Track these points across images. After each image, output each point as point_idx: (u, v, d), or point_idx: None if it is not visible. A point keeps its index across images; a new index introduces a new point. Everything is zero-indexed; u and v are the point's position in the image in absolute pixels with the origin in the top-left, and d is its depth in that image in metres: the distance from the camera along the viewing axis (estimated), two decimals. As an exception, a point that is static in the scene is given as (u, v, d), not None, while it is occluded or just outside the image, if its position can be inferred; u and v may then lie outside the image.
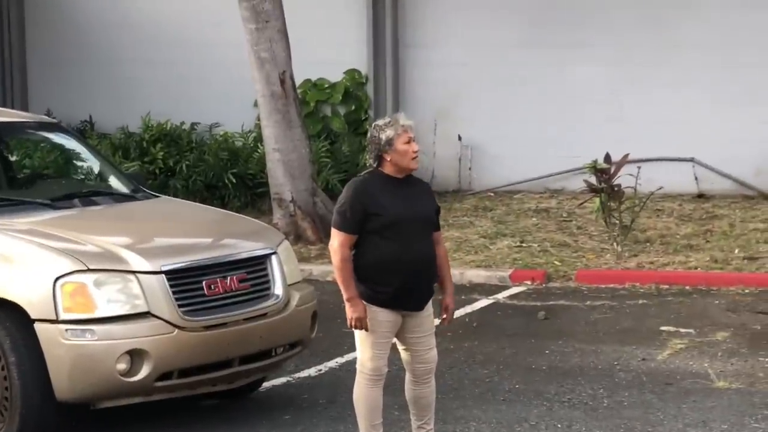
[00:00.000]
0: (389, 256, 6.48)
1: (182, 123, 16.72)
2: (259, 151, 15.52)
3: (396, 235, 6.50)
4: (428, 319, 6.74)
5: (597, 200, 12.66)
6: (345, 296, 6.50)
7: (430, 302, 6.74)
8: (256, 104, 16.26)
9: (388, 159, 6.56)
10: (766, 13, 15.23)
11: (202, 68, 17.07)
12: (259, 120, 16.30)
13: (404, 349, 6.74)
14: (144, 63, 17.37)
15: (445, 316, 6.77)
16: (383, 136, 6.57)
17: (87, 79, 17.76)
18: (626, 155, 12.70)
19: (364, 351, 6.60)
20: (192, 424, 7.58)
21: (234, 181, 15.37)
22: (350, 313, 6.48)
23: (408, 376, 6.78)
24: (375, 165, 6.61)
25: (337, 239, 6.50)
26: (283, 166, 13.40)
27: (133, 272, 6.96)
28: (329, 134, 16.47)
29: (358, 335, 6.59)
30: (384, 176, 6.59)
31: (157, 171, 15.48)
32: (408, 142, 6.55)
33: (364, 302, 6.49)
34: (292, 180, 13.40)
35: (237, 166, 15.54)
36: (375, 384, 6.63)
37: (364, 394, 6.64)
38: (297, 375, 8.62)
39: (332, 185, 15.15)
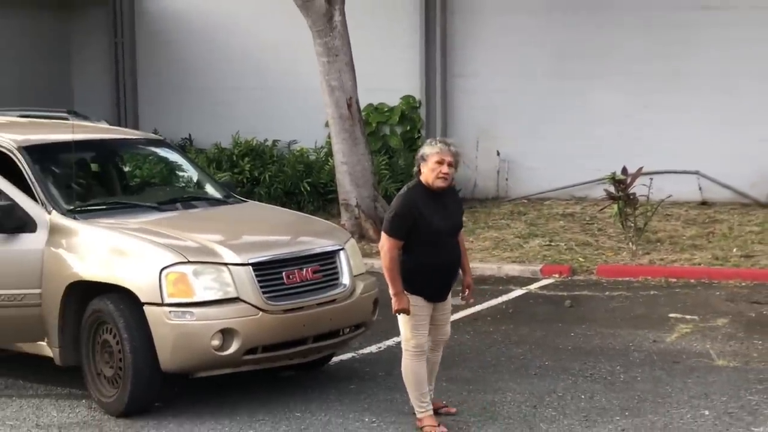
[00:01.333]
0: (429, 260, 6.55)
1: (265, 140, 16.75)
2: (329, 164, 15.49)
3: (435, 242, 6.55)
4: (449, 301, 6.85)
5: (615, 206, 12.50)
6: (392, 291, 6.54)
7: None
8: (326, 124, 16.29)
9: (422, 171, 6.58)
10: (761, 47, 14.99)
11: (282, 94, 17.08)
12: (329, 138, 16.31)
13: (430, 325, 6.77)
14: (234, 90, 17.44)
15: (468, 292, 6.88)
16: (422, 151, 6.63)
17: (187, 103, 17.87)
18: (640, 168, 12.53)
19: (407, 332, 6.65)
20: (273, 391, 7.56)
21: (308, 189, 15.35)
22: (396, 305, 6.55)
23: (431, 345, 6.83)
24: (416, 174, 6.63)
25: (387, 243, 6.52)
26: (350, 177, 13.36)
27: (225, 264, 6.93)
28: (387, 150, 16.41)
29: (402, 320, 6.65)
30: (424, 187, 6.58)
31: (245, 180, 15.49)
32: (440, 162, 6.52)
33: (412, 294, 6.53)
34: (357, 188, 13.36)
35: (311, 176, 15.52)
36: (419, 358, 6.66)
37: (410, 368, 6.66)
38: (361, 351, 8.56)
39: (390, 193, 15.04)
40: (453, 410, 6.99)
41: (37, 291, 7.29)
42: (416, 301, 6.58)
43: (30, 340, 7.46)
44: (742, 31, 15.04)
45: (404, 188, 6.73)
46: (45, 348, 7.40)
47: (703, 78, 15.26)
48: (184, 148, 16.73)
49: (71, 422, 7.02)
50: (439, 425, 6.65)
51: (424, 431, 6.64)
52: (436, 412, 6.82)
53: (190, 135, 17.72)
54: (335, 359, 8.28)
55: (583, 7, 15.87)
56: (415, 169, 6.66)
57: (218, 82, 17.68)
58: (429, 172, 6.56)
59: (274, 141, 16.85)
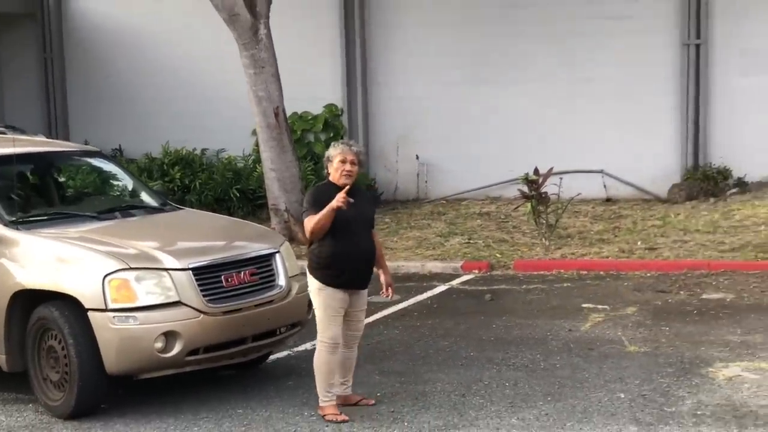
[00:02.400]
0: (341, 249, 6.70)
1: (194, 149, 16.64)
2: (257, 170, 15.45)
3: (346, 233, 6.71)
4: (365, 296, 6.98)
5: (528, 205, 12.73)
6: (328, 211, 6.57)
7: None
8: (253, 133, 16.23)
9: (330, 171, 6.79)
10: (657, 51, 15.35)
11: (210, 104, 16.99)
12: (256, 146, 16.23)
13: (345, 321, 6.88)
14: (163, 101, 17.31)
15: (390, 289, 7.05)
16: (327, 153, 6.90)
17: (117, 114, 17.67)
18: (551, 169, 12.76)
19: (322, 323, 6.79)
20: (214, 390, 7.54)
21: (238, 195, 15.29)
22: (333, 204, 6.56)
23: (343, 343, 6.90)
24: (326, 176, 6.88)
25: (307, 223, 6.70)
26: (278, 183, 13.34)
27: (166, 269, 6.90)
28: (313, 156, 16.44)
29: (318, 314, 6.79)
30: (333, 185, 6.79)
31: (176, 188, 15.37)
32: (343, 161, 6.76)
33: (321, 284, 6.69)
34: (285, 193, 13.34)
35: (240, 183, 15.47)
36: (333, 350, 6.80)
37: (324, 360, 6.80)
38: (296, 349, 8.56)
39: (317, 197, 15.08)
40: (371, 402, 7.04)
41: (-18, 300, 7.17)
42: (330, 293, 6.72)
43: (-25, 348, 7.33)
44: (641, 39, 15.42)
45: (314, 185, 7.03)
46: (-10, 355, 7.28)
47: (606, 83, 15.62)
48: (115, 158, 16.49)
49: (20, 426, 6.92)
50: (340, 413, 6.77)
51: (326, 419, 6.77)
52: (356, 405, 6.93)
53: (120, 146, 17.52)
54: (272, 357, 8.27)
55: (494, 20, 16.10)
56: (325, 171, 6.91)
57: (147, 93, 17.52)
58: (335, 172, 6.81)
59: (203, 150, 16.77)
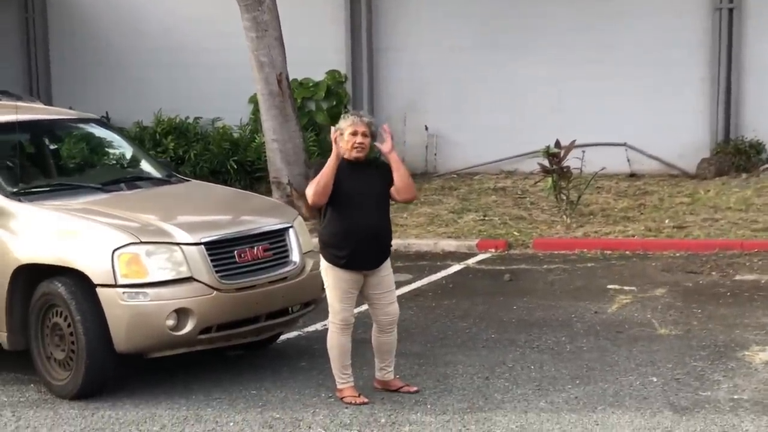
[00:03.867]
0: (344, 226, 6.88)
1: (186, 117, 16.83)
2: (255, 141, 15.68)
3: (349, 208, 6.87)
4: (387, 278, 7.10)
5: (549, 180, 12.97)
6: (330, 166, 6.79)
7: (389, 263, 7.12)
8: (251, 101, 16.50)
9: (340, 144, 6.92)
10: (686, 16, 15.55)
11: (205, 70, 17.13)
12: (253, 114, 16.51)
13: (369, 304, 7.15)
14: (154, 65, 17.46)
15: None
16: (338, 125, 7.01)
17: (103, 80, 17.81)
18: (573, 141, 12.98)
19: (333, 305, 6.99)
20: (224, 371, 7.78)
21: (235, 167, 15.52)
22: (333, 155, 6.82)
23: (374, 327, 7.17)
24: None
25: (309, 190, 6.89)
26: (281, 154, 13.53)
27: (178, 244, 7.10)
28: (314, 126, 16.64)
29: (328, 294, 7.00)
30: (343, 159, 6.92)
31: (169, 159, 15.54)
32: (354, 134, 6.88)
33: (330, 264, 6.89)
34: (288, 166, 13.53)
35: (237, 154, 15.67)
36: (344, 332, 7.01)
37: (336, 341, 7.03)
38: (306, 329, 8.79)
39: (320, 170, 15.30)
40: (413, 389, 7.24)
41: (-18, 275, 7.40)
42: (337, 272, 6.92)
43: (-26, 325, 7.57)
44: (669, 2, 15.60)
45: (319, 160, 7.15)
46: (-10, 333, 7.53)
47: (631, 49, 15.81)
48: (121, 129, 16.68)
49: (23, 404, 7.17)
50: (359, 395, 7.02)
51: (345, 401, 7.01)
52: (397, 391, 7.17)
53: (107, 113, 17.54)
54: (282, 338, 8.51)
55: (509, -22, 16.28)
56: (334, 144, 6.98)
57: (136, 57, 17.68)
58: (345, 144, 6.93)
59: (196, 118, 16.92)
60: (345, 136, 6.92)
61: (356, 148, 6.89)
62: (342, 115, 7.17)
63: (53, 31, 18.36)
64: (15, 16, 18.50)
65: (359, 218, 6.88)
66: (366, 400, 7.01)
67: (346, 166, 6.91)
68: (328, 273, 7.00)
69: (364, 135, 6.90)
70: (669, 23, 15.59)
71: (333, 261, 6.93)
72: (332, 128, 6.96)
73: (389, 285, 7.13)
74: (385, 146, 7.02)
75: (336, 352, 7.04)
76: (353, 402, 7.00)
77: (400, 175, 6.98)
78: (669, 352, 7.95)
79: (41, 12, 18.34)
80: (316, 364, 7.84)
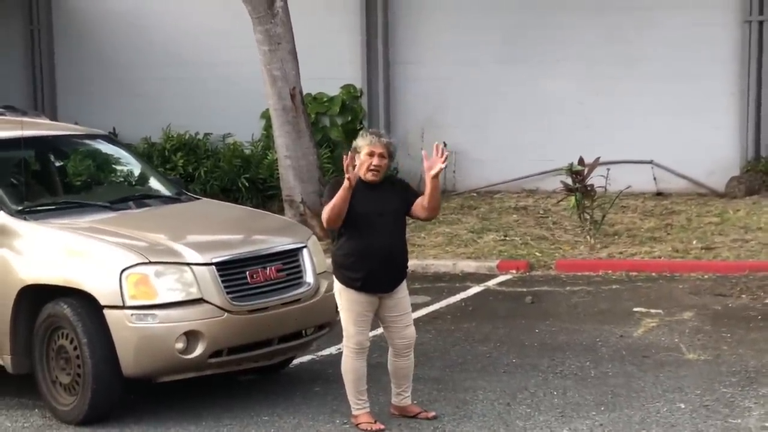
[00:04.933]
0: (359, 247, 6.90)
1: (196, 133, 16.94)
2: (267, 158, 15.76)
3: (364, 229, 6.88)
4: (403, 300, 7.11)
5: (572, 198, 12.99)
6: (342, 193, 6.73)
7: (404, 286, 7.13)
8: (262, 116, 16.59)
9: (356, 163, 6.90)
10: (714, 29, 15.58)
11: (213, 85, 17.25)
12: (265, 130, 16.60)
13: (385, 327, 7.17)
14: (162, 80, 17.56)
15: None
16: (355, 143, 7.01)
17: (110, 94, 17.92)
18: (597, 159, 12.98)
19: (347, 328, 7.01)
20: (234, 396, 7.81)
21: (247, 185, 15.59)
22: (345, 183, 6.73)
23: (390, 350, 7.19)
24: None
25: (324, 214, 6.88)
26: (294, 171, 13.59)
27: (188, 264, 7.14)
28: (328, 143, 16.71)
29: (342, 316, 7.02)
30: (358, 179, 6.90)
31: (179, 177, 15.64)
32: (371, 155, 6.87)
33: (344, 286, 6.91)
34: (301, 183, 13.59)
35: (249, 171, 15.75)
36: (359, 356, 7.03)
37: (350, 365, 7.05)
38: (320, 353, 8.81)
39: (335, 188, 15.36)
40: (431, 414, 7.25)
41: (-15, 296, 7.47)
42: (351, 294, 6.94)
43: (-23, 349, 7.64)
44: (697, 15, 15.63)
45: (334, 178, 7.17)
46: (-6, 356, 7.59)
47: (657, 64, 15.83)
48: (130, 145, 16.77)
49: (27, 430, 7.22)
50: (376, 422, 7.04)
51: (360, 428, 7.04)
52: (414, 417, 7.19)
53: (114, 129, 17.70)
54: (295, 362, 8.53)
55: (531, -9, 16.35)
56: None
57: (143, 72, 17.78)
58: (361, 165, 6.92)
59: (206, 134, 17.02)
60: (361, 156, 6.92)
61: (372, 170, 6.90)
62: (360, 133, 7.16)
63: (59, 44, 18.51)
64: (20, 30, 18.66)
65: (374, 239, 6.89)
66: (382, 426, 7.04)
67: (361, 185, 6.93)
68: (342, 295, 7.03)
69: (381, 156, 6.89)
70: (697, 36, 15.60)
71: (347, 283, 6.96)
72: (344, 156, 6.86)
73: (405, 307, 7.16)
74: (433, 170, 6.87)
75: (351, 376, 7.06)
76: (369, 429, 7.03)
77: (435, 197, 6.95)
78: (697, 377, 7.95)
79: (46, 25, 18.50)
80: (330, 389, 7.87)
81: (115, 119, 17.67)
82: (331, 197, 6.86)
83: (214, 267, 7.22)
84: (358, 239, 6.90)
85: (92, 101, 17.99)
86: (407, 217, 7.16)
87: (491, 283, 11.63)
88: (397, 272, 7.07)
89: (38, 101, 18.39)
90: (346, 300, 6.99)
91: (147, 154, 16.08)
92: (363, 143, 6.95)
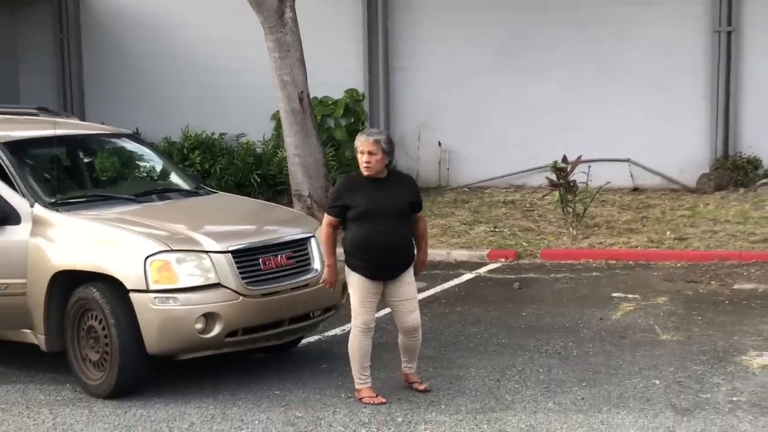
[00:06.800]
0: (363, 239, 6.95)
1: (212, 133, 16.97)
2: (278, 156, 15.78)
3: (368, 222, 6.92)
4: (408, 287, 7.14)
5: (557, 193, 13.02)
6: (326, 263, 7.11)
7: (410, 273, 7.15)
8: (273, 117, 16.62)
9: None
10: (686, 39, 15.59)
11: (230, 88, 17.27)
12: (275, 130, 16.64)
13: (392, 311, 7.24)
14: (182, 84, 17.60)
15: (419, 267, 7.25)
16: (354, 144, 7.11)
17: (134, 97, 17.96)
18: (579, 157, 13.03)
19: (355, 308, 7.07)
20: (248, 373, 7.84)
21: (258, 180, 15.62)
22: (326, 275, 7.16)
23: (400, 330, 7.21)
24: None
25: (324, 220, 7.08)
26: (302, 168, 13.62)
27: (206, 252, 7.17)
28: (333, 142, 16.76)
29: (352, 297, 7.07)
30: (361, 176, 7.01)
31: (196, 172, 15.67)
32: (362, 153, 6.96)
33: (351, 270, 7.00)
34: (309, 179, 13.62)
35: (260, 168, 15.78)
36: (365, 335, 7.08)
37: (357, 343, 7.10)
38: (326, 334, 8.85)
39: (339, 183, 15.38)
40: (421, 387, 7.29)
41: (22, 281, 7.50)
42: (357, 279, 7.02)
43: (14, 328, 7.68)
44: (670, 26, 15.66)
45: (346, 174, 7.26)
46: (29, 335, 7.62)
47: (634, 71, 15.87)
48: (153, 144, 16.79)
49: (59, 403, 7.25)
50: (377, 395, 7.08)
51: (363, 401, 7.07)
52: (409, 385, 7.27)
53: (137, 129, 17.72)
54: (303, 342, 8.57)
55: (520, 5, 16.35)
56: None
57: (165, 76, 17.82)
58: (359, 163, 7.03)
59: (221, 134, 17.05)
60: (357, 154, 7.04)
61: (364, 167, 6.98)
62: (358, 134, 7.22)
63: (86, 51, 18.53)
64: (50, 37, 18.67)
65: (377, 232, 6.92)
66: (383, 400, 7.06)
67: (365, 180, 6.97)
68: (350, 278, 7.07)
69: (370, 153, 6.93)
70: (671, 45, 15.65)
71: (354, 269, 7.01)
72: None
73: (409, 294, 7.15)
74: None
75: (357, 354, 7.09)
76: (371, 402, 7.05)
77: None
78: (671, 356, 7.97)
79: (75, 33, 18.52)
80: (335, 367, 7.90)
81: (139, 120, 17.69)
82: (332, 202, 7.04)
83: (230, 254, 7.25)
84: (363, 232, 6.93)
85: (117, 103, 18.02)
86: None
87: (482, 270, 11.66)
88: (399, 263, 7.08)
89: (68, 103, 18.41)
90: (354, 283, 7.03)
91: (167, 152, 16.10)
92: (357, 143, 7.06)
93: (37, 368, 7.99)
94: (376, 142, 6.96)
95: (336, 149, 16.46)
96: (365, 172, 6.97)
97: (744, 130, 15.49)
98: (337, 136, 16.91)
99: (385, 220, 6.93)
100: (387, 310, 7.51)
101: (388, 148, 7.01)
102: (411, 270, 7.16)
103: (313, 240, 7.87)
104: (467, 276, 11.37)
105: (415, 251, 7.22)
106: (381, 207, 6.93)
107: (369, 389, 7.13)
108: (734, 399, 6.96)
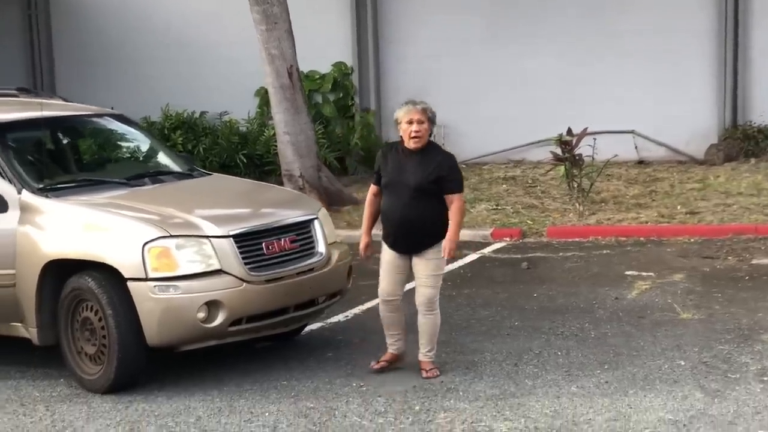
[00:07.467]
0: (384, 210, 7.22)
1: (193, 112, 16.89)
2: (264, 134, 15.73)
3: (389, 194, 7.13)
4: (428, 264, 7.21)
5: (562, 168, 13.04)
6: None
7: (434, 251, 7.17)
8: (257, 94, 16.55)
9: (400, 133, 7.03)
10: (697, 4, 15.61)
11: (210, 64, 17.23)
12: (260, 108, 16.58)
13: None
14: (159, 61, 17.53)
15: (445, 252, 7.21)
16: (395, 116, 7.15)
17: (108, 76, 17.89)
18: (585, 129, 13.03)
19: (381, 276, 7.32)
20: (252, 362, 7.84)
21: (245, 161, 15.58)
22: (361, 242, 7.41)
23: None
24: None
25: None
26: (293, 147, 13.59)
27: (207, 237, 7.12)
28: (321, 119, 16.70)
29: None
30: (401, 146, 7.09)
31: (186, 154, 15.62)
32: (410, 122, 7.00)
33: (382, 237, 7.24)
34: (300, 158, 13.60)
35: (246, 148, 15.74)
36: (384, 304, 7.33)
37: (380, 310, 7.39)
38: (329, 321, 8.84)
39: (330, 162, 15.38)
40: (432, 375, 7.30)
41: (11, 271, 7.45)
42: (383, 246, 7.28)
43: (4, 321, 7.62)
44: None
45: (383, 146, 7.40)
46: (20, 329, 7.56)
47: (637, 37, 15.88)
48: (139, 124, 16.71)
49: (55, 399, 7.22)
50: (380, 362, 7.36)
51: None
52: (421, 371, 7.32)
53: (112, 109, 17.63)
54: (306, 329, 8.55)
55: (515, -31, 16.34)
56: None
57: (140, 53, 17.74)
58: (404, 134, 7.06)
59: (202, 113, 16.97)
60: (402, 125, 7.04)
61: (413, 138, 6.99)
62: (400, 106, 7.19)
63: (56, 28, 18.42)
64: (17, 15, 18.55)
65: (393, 205, 7.13)
66: (377, 366, 7.36)
67: (402, 152, 7.12)
68: (382, 246, 7.29)
69: (419, 122, 6.99)
70: (676, 10, 15.66)
71: (383, 236, 7.27)
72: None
73: (428, 270, 7.18)
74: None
75: (383, 321, 7.39)
76: (372, 365, 7.37)
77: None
78: (694, 336, 8.01)
79: (44, 9, 18.40)
80: (342, 355, 7.92)
81: (114, 99, 17.42)
82: (376, 167, 7.33)
83: (232, 239, 7.21)
84: (385, 201, 7.22)
85: (91, 82, 17.94)
86: None
87: (487, 250, 11.69)
88: (415, 239, 7.15)
89: (37, 83, 18.30)
90: (383, 251, 7.29)
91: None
92: (401, 113, 7.08)
93: (28, 363, 7.96)
94: (424, 110, 7.03)
95: (325, 126, 16.41)
96: (414, 144, 7.02)
97: (754, 97, 15.56)
98: (325, 113, 16.87)
99: (402, 195, 7.06)
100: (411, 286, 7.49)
101: (433, 117, 7.13)
102: (437, 248, 7.16)
103: (316, 222, 7.86)
104: (472, 257, 11.39)
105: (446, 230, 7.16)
106: (400, 180, 7.05)
107: (387, 354, 7.42)
108: (766, 379, 7.00)
